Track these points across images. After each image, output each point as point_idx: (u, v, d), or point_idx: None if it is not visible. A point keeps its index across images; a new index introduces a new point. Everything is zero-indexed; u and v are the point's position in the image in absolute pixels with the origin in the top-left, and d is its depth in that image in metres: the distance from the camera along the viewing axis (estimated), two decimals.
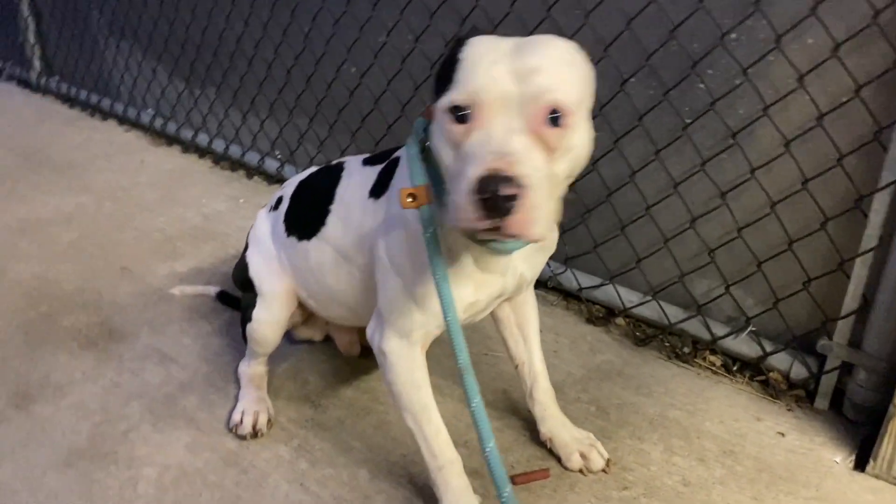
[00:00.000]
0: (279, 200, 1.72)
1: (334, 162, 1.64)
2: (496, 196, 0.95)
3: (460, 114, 1.03)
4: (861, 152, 1.57)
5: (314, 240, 1.54)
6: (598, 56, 1.89)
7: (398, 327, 1.34)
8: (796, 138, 1.65)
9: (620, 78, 1.88)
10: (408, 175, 1.30)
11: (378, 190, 1.41)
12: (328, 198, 1.53)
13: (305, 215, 1.60)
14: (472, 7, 2.12)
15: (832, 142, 1.59)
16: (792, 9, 1.58)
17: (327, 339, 1.95)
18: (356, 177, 1.50)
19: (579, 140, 1.08)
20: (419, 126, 1.25)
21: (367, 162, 1.51)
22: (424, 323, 1.33)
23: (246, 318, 1.69)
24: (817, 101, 1.60)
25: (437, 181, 1.21)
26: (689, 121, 1.80)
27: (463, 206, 0.98)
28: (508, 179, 0.96)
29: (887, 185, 1.51)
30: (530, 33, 1.81)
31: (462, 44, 1.09)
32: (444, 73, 1.09)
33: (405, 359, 1.36)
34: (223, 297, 2.12)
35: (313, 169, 1.71)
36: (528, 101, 1.01)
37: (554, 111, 1.01)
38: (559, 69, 1.04)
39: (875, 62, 1.51)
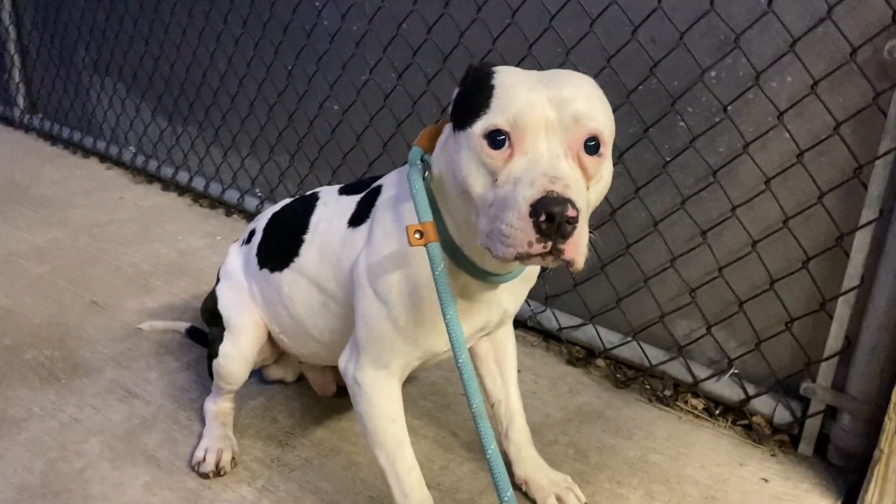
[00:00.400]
0: (251, 234, 1.68)
1: (308, 193, 1.60)
2: (559, 219, 0.93)
3: (499, 138, 1.00)
4: (842, 190, 1.56)
5: (287, 271, 1.50)
6: None
7: (377, 357, 1.29)
8: (777, 176, 1.63)
9: None
10: (392, 207, 1.27)
11: (358, 219, 1.36)
12: (301, 227, 1.49)
13: (278, 246, 1.55)
14: (454, 45, 2.12)
15: (812, 179, 1.58)
16: (771, 46, 1.59)
17: (300, 380, 1.89)
18: (332, 206, 1.46)
19: (608, 171, 1.08)
20: (415, 156, 1.20)
21: (343, 191, 1.47)
22: (405, 353, 1.28)
23: (212, 353, 1.63)
24: (797, 139, 1.59)
25: (435, 219, 1.17)
26: (668, 158, 1.79)
27: (516, 230, 0.95)
28: (567, 201, 0.94)
29: (868, 223, 1.49)
30: None
31: (489, 72, 1.07)
32: (473, 99, 1.05)
33: (382, 390, 1.31)
34: (193, 333, 2.06)
35: (287, 201, 1.68)
36: (568, 126, 1.00)
37: (592, 138, 1.02)
38: (592, 100, 1.04)
39: (853, 99, 1.51)
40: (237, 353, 1.61)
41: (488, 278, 1.22)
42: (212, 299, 1.68)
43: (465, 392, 1.07)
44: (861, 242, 1.52)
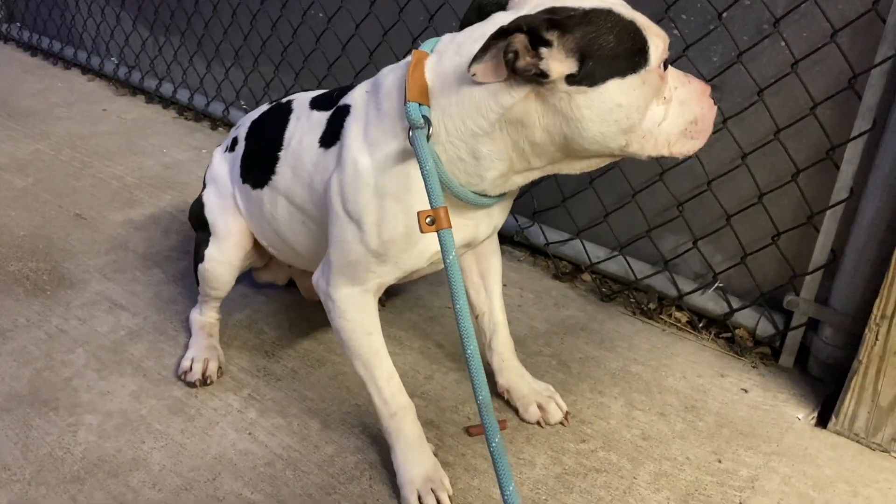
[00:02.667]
0: (234, 141, 1.64)
1: (284, 99, 1.55)
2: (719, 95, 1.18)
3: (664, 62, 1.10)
4: (835, 101, 1.52)
5: (266, 189, 1.47)
6: None
7: (351, 276, 1.28)
8: (770, 86, 1.59)
9: None
10: (360, 125, 1.23)
11: (328, 139, 1.32)
12: (277, 143, 1.45)
13: (256, 161, 1.52)
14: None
15: (806, 90, 1.54)
16: None
17: (290, 285, 1.89)
18: (303, 121, 1.41)
19: None
20: (417, 115, 1.09)
21: (314, 104, 1.42)
22: (382, 273, 1.27)
23: (198, 258, 1.62)
24: (793, 47, 1.55)
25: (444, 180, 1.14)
26: None
27: (710, 113, 1.16)
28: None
29: (861, 134, 1.46)
30: None
31: (618, 14, 1.06)
32: (631, 43, 1.06)
33: (356, 305, 1.31)
34: None
35: (265, 107, 1.63)
36: None
37: None
38: None
39: (852, 5, 1.46)
40: (223, 258, 1.60)
41: (489, 201, 1.21)
42: (198, 205, 1.66)
43: (472, 384, 1.04)
44: (852, 154, 1.49)
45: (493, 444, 1.03)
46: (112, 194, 2.43)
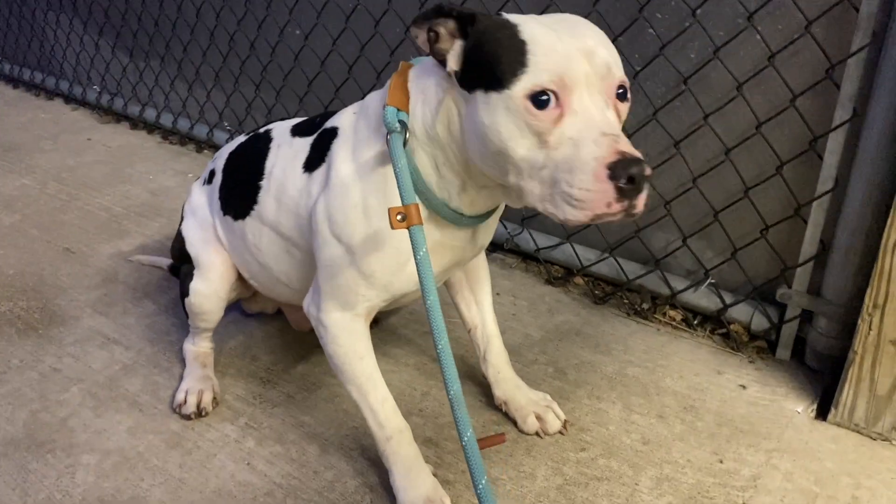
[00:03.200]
0: (212, 174, 1.64)
1: (262, 129, 1.55)
2: (640, 180, 0.93)
3: (543, 98, 0.96)
4: (814, 92, 1.52)
5: (248, 219, 1.46)
6: (545, 4, 1.81)
7: (341, 300, 1.28)
8: (749, 80, 1.59)
9: None
10: (349, 147, 1.23)
11: (313, 164, 1.32)
12: (257, 173, 1.44)
13: (237, 193, 1.51)
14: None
15: (784, 82, 1.54)
16: None
17: (280, 312, 1.88)
18: (285, 149, 1.41)
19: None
20: (393, 119, 1.11)
21: (295, 131, 1.42)
22: (371, 297, 1.27)
23: (184, 292, 1.61)
24: (768, 40, 1.54)
25: (417, 185, 1.15)
26: (638, 68, 1.73)
27: (591, 193, 0.94)
28: (641, 161, 0.94)
29: (841, 124, 1.46)
30: None
31: (512, 25, 1.01)
32: (504, 58, 0.99)
33: (347, 331, 1.30)
34: (175, 270, 2.02)
35: (242, 138, 1.62)
36: (604, 77, 0.99)
37: (621, 86, 1.02)
38: (609, 45, 1.03)
39: None
40: (209, 290, 1.59)
41: (472, 222, 1.21)
42: (179, 239, 1.65)
43: (443, 380, 1.02)
44: (834, 144, 1.49)
45: (466, 439, 1.01)
46: (100, 226, 2.42)
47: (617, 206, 0.94)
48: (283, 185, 1.38)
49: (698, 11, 1.60)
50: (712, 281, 1.80)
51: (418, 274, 1.04)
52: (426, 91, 1.13)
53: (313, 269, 1.36)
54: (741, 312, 1.74)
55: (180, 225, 1.67)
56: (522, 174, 1.02)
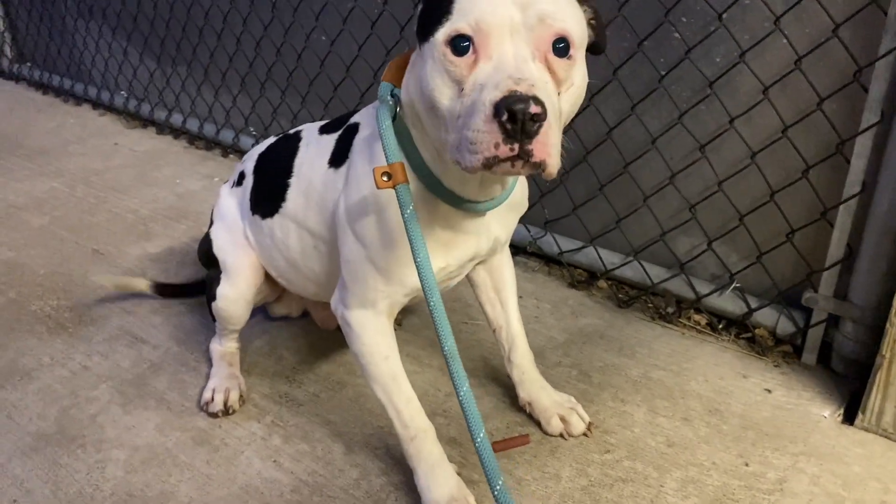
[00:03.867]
0: (241, 175, 1.66)
1: (292, 131, 1.57)
2: (522, 116, 0.89)
3: (462, 45, 0.96)
4: (841, 95, 1.51)
5: (277, 217, 1.48)
6: None
7: (362, 297, 1.29)
8: (775, 84, 1.59)
9: None
10: (369, 144, 1.25)
11: (337, 159, 1.34)
12: (286, 171, 1.47)
13: (266, 192, 1.53)
14: None
15: (811, 85, 1.53)
16: None
17: (305, 315, 1.90)
18: (313, 147, 1.44)
19: (581, 77, 1.04)
20: (385, 91, 1.17)
21: (323, 130, 1.44)
22: (390, 293, 1.28)
23: (211, 296, 1.64)
24: (795, 44, 1.54)
25: (409, 153, 1.17)
26: (664, 72, 1.74)
27: (482, 133, 0.91)
28: (530, 98, 0.89)
29: (869, 128, 1.45)
30: None
31: None
32: (435, 7, 1.00)
33: (371, 329, 1.31)
34: (161, 289, 1.99)
35: (272, 140, 1.65)
36: (533, 27, 0.96)
37: (560, 40, 0.97)
38: (560, 1, 0.99)
39: None
40: (235, 295, 1.61)
41: (472, 206, 1.20)
42: (206, 242, 1.67)
43: (437, 335, 1.05)
44: (862, 148, 1.48)
45: (462, 393, 1.05)
46: (128, 228, 2.46)
47: (504, 148, 0.91)
48: (311, 181, 1.40)
49: (724, 15, 1.61)
50: (737, 285, 1.79)
51: (407, 232, 1.06)
52: (414, 64, 1.12)
53: (338, 264, 1.37)
54: (766, 317, 1.73)
55: (209, 228, 1.70)
56: (448, 126, 1.00)
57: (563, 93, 1.01)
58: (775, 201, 1.66)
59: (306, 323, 1.90)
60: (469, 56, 0.96)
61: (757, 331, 1.75)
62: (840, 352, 1.63)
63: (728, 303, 1.79)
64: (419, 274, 1.06)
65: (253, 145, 2.85)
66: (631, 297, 1.94)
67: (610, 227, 1.97)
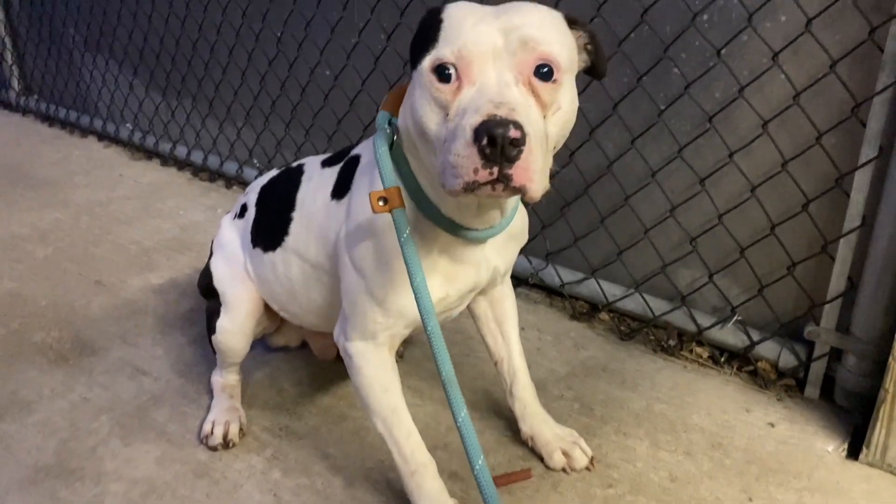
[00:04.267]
0: (244, 208, 1.67)
1: (294, 164, 1.58)
2: (500, 141, 0.90)
3: (446, 72, 0.98)
4: (840, 129, 1.53)
5: (279, 251, 1.49)
6: None
7: (363, 329, 1.29)
8: (774, 118, 1.60)
9: None
10: (369, 175, 1.26)
11: (339, 191, 1.35)
12: (289, 205, 1.47)
13: (268, 225, 1.54)
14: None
15: (810, 120, 1.55)
16: None
17: (304, 346, 1.90)
18: (315, 180, 1.44)
19: (569, 101, 1.04)
20: (382, 120, 1.19)
21: (325, 163, 1.46)
22: (390, 325, 1.28)
23: (211, 328, 1.64)
24: (793, 79, 1.56)
25: (407, 181, 1.18)
26: (664, 107, 1.76)
27: (462, 158, 0.92)
28: (511, 122, 0.91)
29: (868, 162, 1.46)
30: None
31: (440, 8, 1.05)
32: (424, 37, 1.04)
33: (371, 361, 1.31)
34: None
35: (274, 173, 1.66)
36: (517, 52, 0.98)
37: (544, 65, 0.99)
38: (545, 25, 1.02)
39: (849, 36, 1.47)
40: (235, 328, 1.61)
41: (470, 235, 1.20)
42: (207, 274, 1.67)
43: (434, 360, 1.06)
44: (861, 182, 1.49)
45: (461, 419, 1.08)
46: (131, 259, 2.46)
47: (483, 173, 0.92)
48: (313, 214, 1.40)
49: (723, 51, 1.63)
50: (739, 318, 1.79)
51: (403, 254, 1.08)
52: (410, 92, 1.12)
53: (337, 306, 1.38)
54: (769, 350, 1.73)
55: (209, 260, 1.70)
56: (437, 152, 1.01)
57: (550, 116, 1.01)
58: (776, 234, 1.67)
59: (307, 355, 1.90)
60: (453, 83, 0.98)
61: (759, 364, 1.74)
62: (843, 385, 1.62)
63: (730, 336, 1.79)
64: (416, 297, 1.07)
65: (256, 177, 2.88)
66: (633, 329, 1.94)
67: (611, 258, 1.97)
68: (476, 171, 0.92)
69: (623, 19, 1.76)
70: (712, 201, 1.75)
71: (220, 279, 1.63)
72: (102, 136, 3.72)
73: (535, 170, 0.94)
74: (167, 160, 3.35)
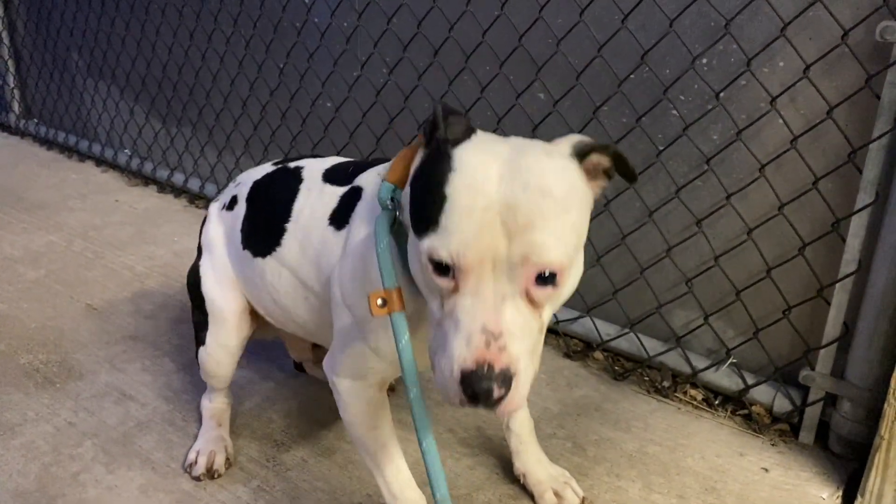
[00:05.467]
0: (234, 200, 1.57)
1: (292, 164, 1.51)
2: (481, 400, 0.88)
3: (444, 265, 0.92)
4: (836, 174, 1.54)
5: (269, 259, 1.42)
6: (570, 85, 1.87)
7: (353, 370, 1.26)
8: (771, 162, 1.62)
9: (592, 105, 1.85)
10: (367, 216, 1.20)
11: (338, 219, 1.30)
12: (284, 213, 1.41)
13: (260, 230, 1.46)
14: (445, 39, 2.10)
15: (807, 165, 1.56)
16: (762, 31, 1.57)
17: (294, 364, 1.88)
18: (315, 195, 1.38)
19: (570, 287, 1.00)
20: (385, 196, 1.10)
21: (327, 178, 1.39)
22: (382, 370, 1.24)
23: (199, 340, 1.60)
24: (790, 124, 1.58)
25: (405, 253, 1.08)
26: (662, 147, 1.77)
27: (448, 385, 0.91)
28: (496, 378, 0.87)
29: (864, 207, 1.47)
30: (501, 65, 1.80)
31: (449, 161, 0.94)
32: (427, 202, 0.94)
33: (361, 400, 1.28)
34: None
35: (268, 167, 1.58)
36: (520, 262, 0.90)
37: (546, 271, 0.92)
38: (556, 221, 0.91)
39: (846, 82, 1.49)
40: (222, 352, 1.57)
41: None
42: (195, 276, 1.59)
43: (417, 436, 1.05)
44: (857, 227, 1.50)
45: (425, 444, 1.06)
46: (123, 284, 2.45)
47: (469, 407, 0.91)
48: (308, 233, 1.35)
49: (721, 95, 1.65)
50: (734, 360, 1.78)
51: (400, 364, 1.03)
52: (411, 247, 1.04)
53: (328, 318, 1.33)
54: (763, 394, 1.72)
55: (197, 260, 1.62)
56: (432, 317, 0.99)
57: (546, 311, 0.97)
58: (772, 277, 1.67)
59: (297, 385, 1.88)
60: (450, 280, 0.92)
61: (753, 408, 1.73)
62: (838, 432, 1.61)
63: (724, 378, 1.78)
64: (413, 409, 1.05)
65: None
66: (627, 369, 1.92)
67: (606, 297, 1.97)
68: (462, 403, 0.91)
69: (623, 60, 1.78)
70: (709, 242, 1.76)
71: (209, 288, 1.56)
72: (100, 161, 3.72)
73: (520, 399, 0.92)
74: (164, 187, 3.35)
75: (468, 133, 0.99)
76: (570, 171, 0.97)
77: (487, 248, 0.89)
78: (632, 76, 1.77)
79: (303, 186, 1.42)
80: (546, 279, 0.92)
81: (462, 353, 0.89)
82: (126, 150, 3.60)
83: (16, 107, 4.26)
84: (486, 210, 0.89)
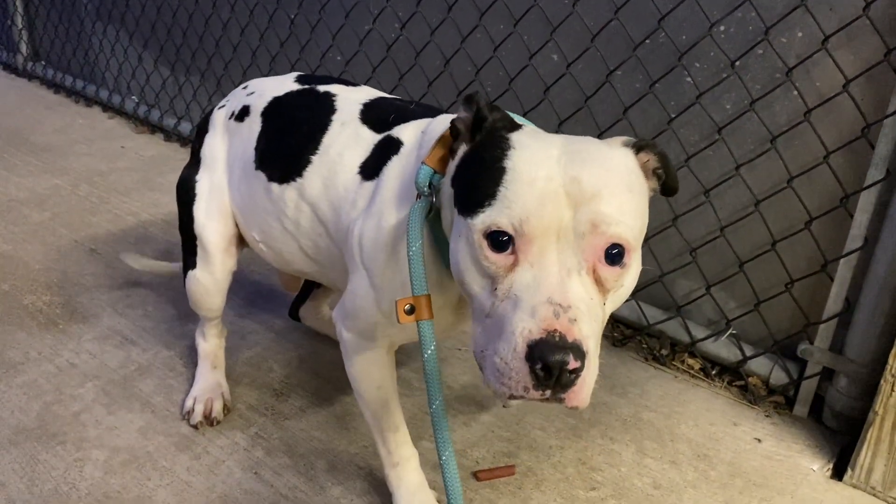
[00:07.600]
0: (245, 110, 1.46)
1: (322, 88, 1.40)
2: (557, 371, 0.79)
3: (502, 239, 0.85)
4: (848, 149, 1.53)
5: (287, 187, 1.33)
6: (584, 47, 1.85)
7: (362, 329, 1.23)
8: (783, 134, 1.60)
9: (606, 69, 1.83)
10: (401, 171, 1.15)
11: (368, 170, 1.22)
12: (311, 144, 1.30)
13: (281, 153, 1.36)
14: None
15: (819, 138, 1.55)
16: (782, 1, 1.54)
17: (291, 323, 1.89)
18: (349, 134, 1.28)
19: (632, 278, 0.92)
20: (423, 181, 1.01)
21: (365, 118, 1.29)
22: (392, 334, 1.22)
23: (186, 265, 1.56)
24: (805, 96, 1.56)
25: (440, 240, 1.05)
26: (674, 115, 1.75)
27: (512, 370, 0.81)
28: (570, 348, 0.79)
29: (874, 184, 1.46)
30: (515, 24, 1.75)
31: (506, 142, 0.91)
32: (481, 182, 0.89)
33: (367, 358, 1.27)
34: None
35: (291, 82, 1.47)
36: (586, 234, 0.84)
37: (615, 246, 0.86)
38: (621, 196, 0.87)
39: (865, 56, 1.47)
40: (211, 283, 1.55)
41: None
42: (187, 192, 1.51)
43: (427, 391, 1.01)
44: (866, 203, 1.49)
45: (444, 457, 1.02)
46: (127, 230, 2.45)
47: (535, 393, 0.81)
48: (335, 174, 1.27)
49: (737, 63, 1.63)
50: (733, 332, 1.79)
51: (424, 375, 0.99)
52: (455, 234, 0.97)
53: (339, 260, 1.29)
54: (761, 365, 1.73)
55: (191, 170, 1.54)
56: (475, 310, 0.91)
57: (610, 298, 0.89)
58: (776, 250, 1.66)
59: (298, 336, 1.89)
60: (508, 255, 0.86)
61: (750, 379, 1.74)
62: (832, 406, 1.62)
63: (723, 349, 1.78)
64: (433, 421, 1.01)
65: None
66: (626, 336, 1.93)
67: None
68: (526, 389, 0.81)
69: (640, 24, 1.75)
70: (715, 213, 1.75)
71: (200, 216, 1.50)
72: (107, 107, 3.70)
73: (588, 388, 0.83)
74: (170, 135, 3.34)
75: (515, 124, 0.97)
76: (630, 158, 0.95)
77: (551, 216, 0.84)
78: (647, 41, 1.75)
79: (335, 118, 1.32)
80: (614, 257, 0.86)
81: (526, 324, 0.80)
82: (133, 97, 3.57)
83: (23, 48, 4.22)
84: (549, 180, 0.85)
